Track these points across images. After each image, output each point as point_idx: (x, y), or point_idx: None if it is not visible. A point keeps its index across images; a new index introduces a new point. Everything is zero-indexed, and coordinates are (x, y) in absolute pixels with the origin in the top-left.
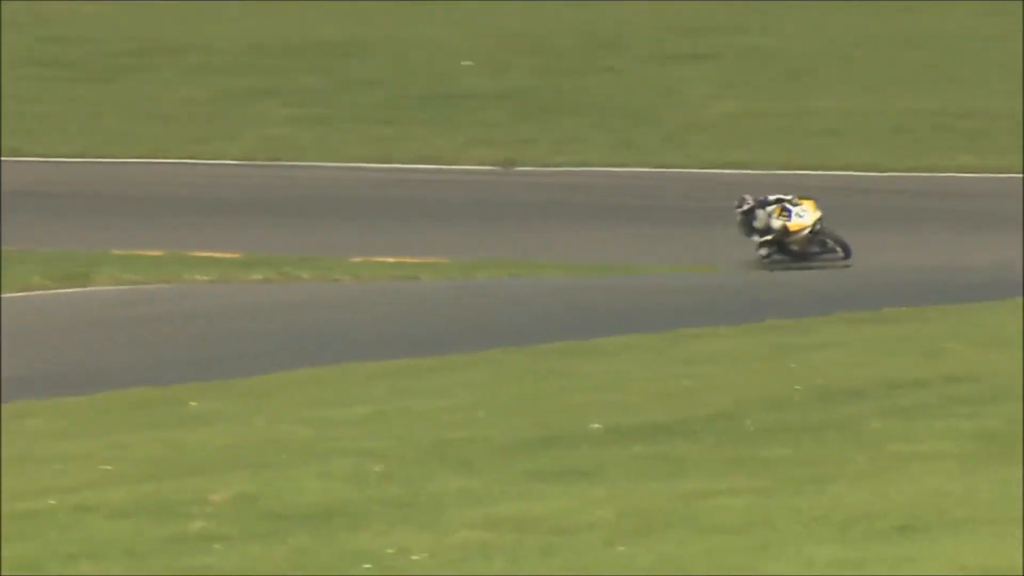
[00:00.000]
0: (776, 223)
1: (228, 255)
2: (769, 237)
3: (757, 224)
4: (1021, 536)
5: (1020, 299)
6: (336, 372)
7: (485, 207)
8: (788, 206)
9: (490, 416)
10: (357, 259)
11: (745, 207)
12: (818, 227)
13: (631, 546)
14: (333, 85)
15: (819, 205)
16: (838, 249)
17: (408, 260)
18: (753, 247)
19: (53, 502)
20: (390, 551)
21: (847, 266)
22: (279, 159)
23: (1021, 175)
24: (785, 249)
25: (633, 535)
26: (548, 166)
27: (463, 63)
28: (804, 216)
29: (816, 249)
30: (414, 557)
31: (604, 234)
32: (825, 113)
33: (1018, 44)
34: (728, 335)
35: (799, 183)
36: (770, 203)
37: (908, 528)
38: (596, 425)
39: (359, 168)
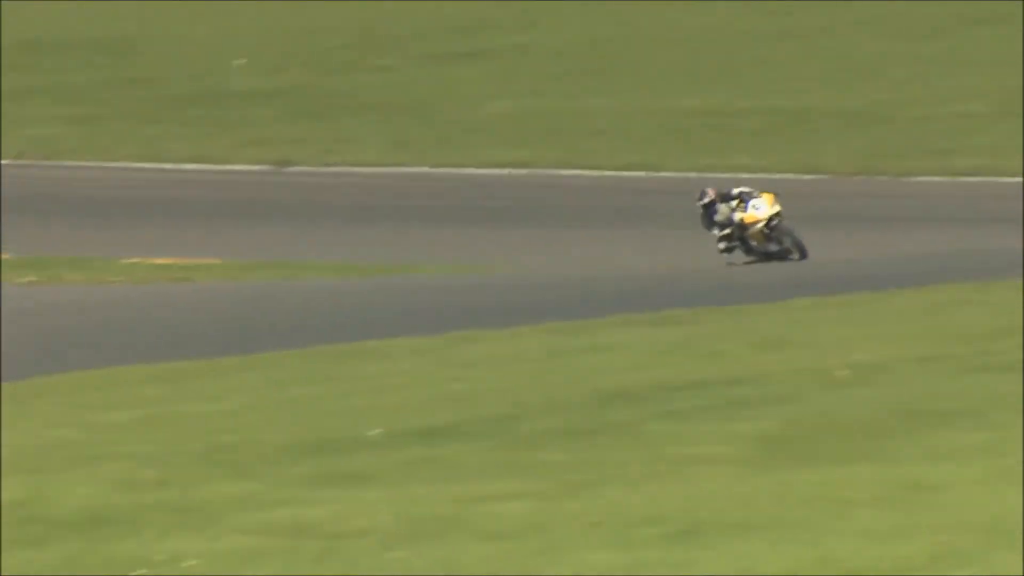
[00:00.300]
0: (736, 216)
1: None
2: (728, 231)
3: (718, 218)
4: (797, 539)
5: (794, 300)
6: (107, 375)
7: (258, 208)
8: (747, 198)
9: (265, 420)
10: (129, 260)
11: (706, 200)
12: (775, 223)
13: (407, 551)
14: (102, 84)
15: (779, 200)
16: (794, 251)
17: (180, 262)
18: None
19: None
20: (162, 557)
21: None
22: (47, 159)
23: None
24: (745, 245)
25: (409, 540)
26: (322, 166)
27: (235, 62)
28: (760, 209)
29: (774, 248)
30: (187, 563)
31: (379, 235)
32: (602, 112)
33: (798, 42)
34: (504, 338)
35: (573, 183)
36: (733, 196)
37: (686, 532)
38: (375, 431)
39: (129, 168)
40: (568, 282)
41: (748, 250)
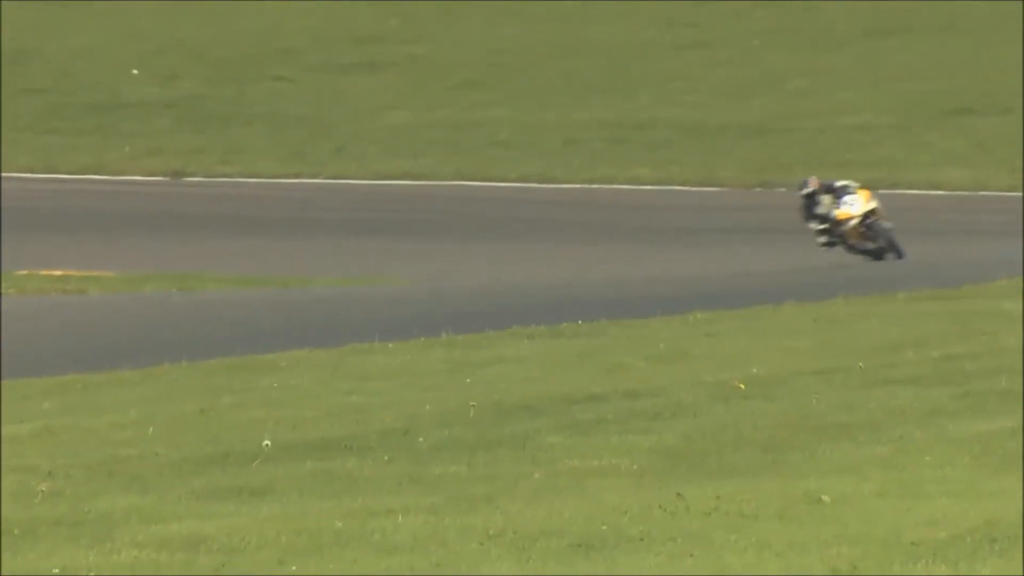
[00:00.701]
0: (833, 212)
1: None
2: (827, 225)
3: (819, 210)
4: (694, 553)
5: (692, 313)
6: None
7: (153, 219)
8: (841, 193)
9: (160, 433)
10: (22, 272)
11: (808, 190)
12: (870, 220)
13: (303, 565)
14: None
15: (876, 197)
16: (889, 250)
17: (75, 273)
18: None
19: None
20: (56, 571)
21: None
22: None
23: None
24: (844, 240)
25: (305, 554)
26: (217, 177)
27: (134, 72)
28: (853, 206)
29: (871, 246)
30: None
31: (275, 246)
32: (498, 123)
33: (698, 53)
34: (401, 350)
35: (471, 195)
36: (835, 188)
37: (584, 546)
38: (267, 442)
39: (23, 179)
40: (466, 294)
41: (849, 248)
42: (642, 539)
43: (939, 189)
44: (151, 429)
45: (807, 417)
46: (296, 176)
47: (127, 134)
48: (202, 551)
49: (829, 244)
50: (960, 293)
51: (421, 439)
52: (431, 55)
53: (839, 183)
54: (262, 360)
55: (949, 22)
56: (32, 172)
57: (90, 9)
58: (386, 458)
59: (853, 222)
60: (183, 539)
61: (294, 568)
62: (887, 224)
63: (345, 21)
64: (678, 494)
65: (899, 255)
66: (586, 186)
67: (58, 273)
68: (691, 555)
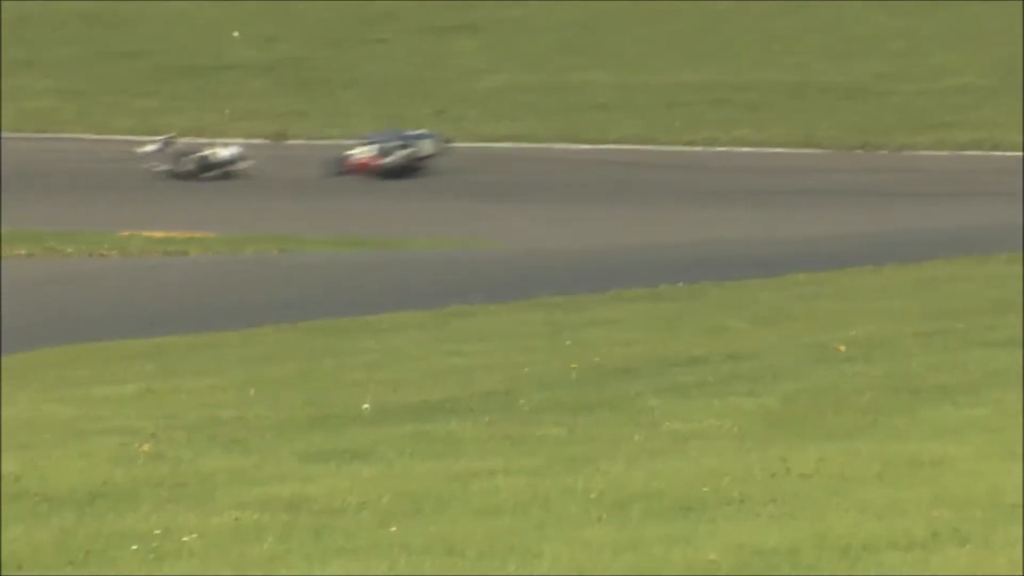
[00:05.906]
0: None
1: None
2: None
3: None
4: (795, 515)
5: (792, 275)
6: (102, 349)
7: (254, 181)
8: None
9: (261, 394)
10: (124, 233)
11: None
12: None
13: (404, 526)
14: (93, 56)
15: None
16: None
17: (176, 235)
18: None
19: None
20: (158, 532)
21: None
22: (41, 131)
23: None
24: None
25: (406, 515)
26: (318, 139)
27: (234, 34)
28: None
29: None
30: (183, 538)
31: (376, 209)
32: (598, 86)
33: (798, 16)
34: (501, 312)
35: (570, 157)
36: None
37: (685, 508)
38: (366, 406)
39: (125, 140)
40: (567, 256)
41: None
42: (743, 501)
43: None
44: (252, 391)
45: (907, 379)
46: None
47: (226, 96)
48: (303, 512)
49: None
50: None
51: (522, 401)
52: (528, 17)
53: None
54: (363, 322)
55: None
56: (133, 134)
57: None
58: (487, 420)
59: None
60: (284, 500)
61: (394, 529)
62: None
63: None
64: (782, 459)
65: None
66: (687, 148)
67: (160, 235)
68: (792, 517)
